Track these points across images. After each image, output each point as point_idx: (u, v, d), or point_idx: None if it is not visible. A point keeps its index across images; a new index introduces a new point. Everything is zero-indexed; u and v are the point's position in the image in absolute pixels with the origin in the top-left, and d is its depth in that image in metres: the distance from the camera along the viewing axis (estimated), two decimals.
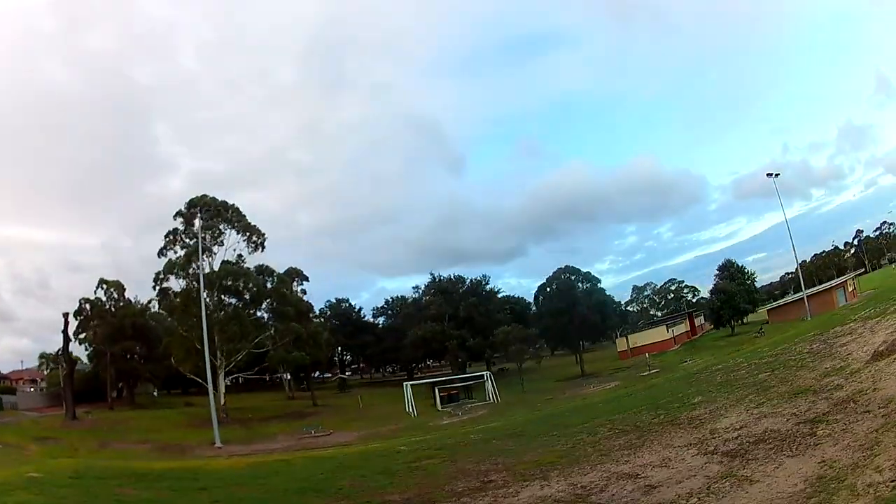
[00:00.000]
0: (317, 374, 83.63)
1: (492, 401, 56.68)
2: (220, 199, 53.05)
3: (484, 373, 62.01)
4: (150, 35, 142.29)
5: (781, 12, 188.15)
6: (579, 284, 78.63)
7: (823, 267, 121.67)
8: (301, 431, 45.19)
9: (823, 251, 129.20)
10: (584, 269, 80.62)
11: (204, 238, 49.64)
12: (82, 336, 62.75)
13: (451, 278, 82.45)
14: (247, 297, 54.34)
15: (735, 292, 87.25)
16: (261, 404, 63.99)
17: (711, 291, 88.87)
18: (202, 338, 43.51)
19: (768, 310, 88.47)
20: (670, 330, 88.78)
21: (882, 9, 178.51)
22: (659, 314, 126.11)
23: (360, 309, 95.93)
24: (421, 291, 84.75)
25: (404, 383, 57.89)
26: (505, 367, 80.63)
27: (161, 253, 51.88)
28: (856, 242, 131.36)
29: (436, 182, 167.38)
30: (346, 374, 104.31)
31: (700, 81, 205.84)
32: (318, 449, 35.09)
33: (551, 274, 79.98)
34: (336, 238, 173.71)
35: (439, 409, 54.71)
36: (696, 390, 22.21)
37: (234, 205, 54.20)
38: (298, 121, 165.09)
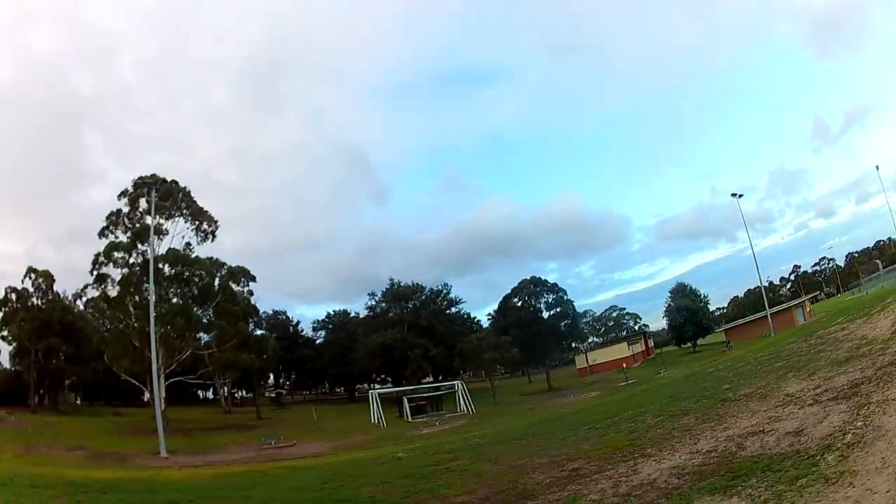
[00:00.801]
0: (263, 384, 76.48)
1: (466, 412, 52.28)
2: (170, 180, 47.18)
3: (454, 383, 57.42)
4: (92, 42, 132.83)
5: (719, 59, 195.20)
6: (545, 295, 75.22)
7: (756, 300, 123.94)
8: (259, 442, 39.60)
9: (757, 286, 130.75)
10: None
11: (155, 220, 43.60)
12: (5, 333, 55.01)
13: (409, 285, 77.51)
14: (195, 289, 48.22)
15: (697, 309, 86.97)
16: (196, 416, 57.46)
17: (669, 310, 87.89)
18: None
19: (725, 330, 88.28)
20: (631, 347, 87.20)
21: (822, 57, 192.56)
22: (599, 340, 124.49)
23: (299, 322, 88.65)
24: (377, 298, 79.38)
25: (370, 391, 52.91)
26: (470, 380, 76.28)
27: (102, 234, 45.18)
28: (792, 277, 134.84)
29: (360, 211, 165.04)
30: (284, 389, 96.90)
31: (632, 124, 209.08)
32: (288, 460, 30.63)
33: (516, 284, 76.42)
34: (258, 262, 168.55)
35: (409, 420, 49.97)
36: (718, 382, 21.00)
37: (185, 187, 48.42)
38: (230, 141, 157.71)
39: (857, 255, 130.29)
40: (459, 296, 78.13)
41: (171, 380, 43.89)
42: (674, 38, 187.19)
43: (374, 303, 79.35)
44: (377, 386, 52.71)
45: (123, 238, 44.80)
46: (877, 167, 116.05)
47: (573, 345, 79.53)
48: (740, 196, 74.63)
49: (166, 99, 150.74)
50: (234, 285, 54.60)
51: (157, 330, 39.10)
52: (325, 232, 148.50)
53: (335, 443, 39.18)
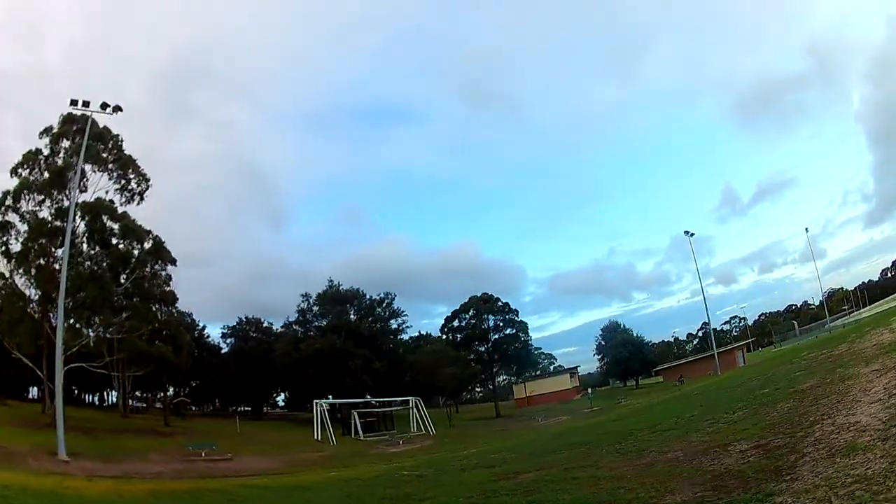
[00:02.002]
0: (167, 389, 65.04)
1: (425, 432, 45.52)
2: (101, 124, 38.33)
3: (409, 399, 50.20)
4: (19, 20, 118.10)
5: (637, 125, 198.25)
6: (495, 314, 69.94)
7: (662, 355, 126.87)
8: (184, 451, 31.25)
9: (663, 340, 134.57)
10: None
11: (81, 166, 34.47)
12: None
13: (350, 289, 69.18)
14: (114, 255, 39.12)
15: (642, 344, 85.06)
16: (91, 417, 47.38)
17: (609, 346, 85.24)
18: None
19: (664, 369, 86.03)
20: (573, 378, 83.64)
21: (742, 130, 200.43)
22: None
23: (205, 327, 76.63)
24: (311, 300, 70.18)
25: (315, 401, 44.47)
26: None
27: (14, 172, 35.47)
28: (700, 334, 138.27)
29: (256, 234, 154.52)
30: (188, 399, 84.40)
31: (538, 178, 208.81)
32: (237, 477, 23.50)
33: (466, 300, 70.77)
34: None
35: (362, 437, 42.66)
36: (742, 394, 19.43)
37: (118, 135, 39.56)
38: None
39: (766, 315, 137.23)
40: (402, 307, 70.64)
41: (71, 365, 34.31)
42: (594, 100, 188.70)
43: (305, 306, 70.59)
44: (320, 401, 44.36)
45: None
46: (806, 229, 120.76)
47: (523, 371, 73.56)
48: (692, 235, 73.41)
49: (84, 89, 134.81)
50: (160, 262, 45.48)
51: (65, 301, 30.31)
52: (217, 251, 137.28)
53: (283, 458, 31.60)
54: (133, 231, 40.10)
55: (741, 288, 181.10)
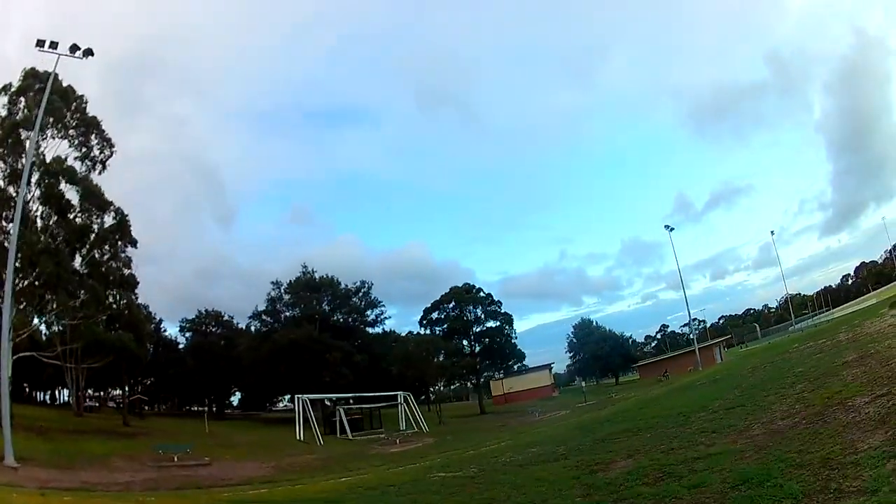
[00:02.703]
0: (127, 385, 59.34)
1: (417, 430, 41.99)
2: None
3: (398, 394, 46.36)
4: None
5: (593, 130, 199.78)
6: (478, 306, 66.62)
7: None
8: (153, 455, 26.97)
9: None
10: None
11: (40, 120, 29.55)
12: None
13: (325, 277, 63.86)
14: (77, 221, 34.34)
15: (623, 339, 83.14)
16: (43, 415, 42.24)
17: (588, 343, 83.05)
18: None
19: (641, 366, 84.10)
20: (552, 374, 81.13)
21: (697, 137, 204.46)
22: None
23: (161, 321, 69.74)
24: (283, 288, 64.39)
25: (296, 396, 40.21)
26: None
27: None
28: (658, 336, 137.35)
29: (204, 231, 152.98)
30: (145, 397, 78.02)
31: (490, 182, 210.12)
32: (226, 488, 19.52)
33: (447, 291, 67.15)
34: None
35: (350, 436, 38.83)
36: (770, 377, 18.50)
37: (83, 95, 34.73)
38: None
39: (726, 318, 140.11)
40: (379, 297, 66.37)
41: (20, 354, 29.56)
42: (549, 105, 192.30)
43: (276, 294, 64.51)
44: (303, 396, 40.13)
45: None
46: (772, 232, 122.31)
47: (508, 364, 69.96)
48: (672, 229, 71.93)
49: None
50: (121, 238, 40.72)
51: (14, 280, 25.79)
52: (164, 247, 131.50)
53: (270, 462, 27.67)
54: (94, 195, 35.32)
55: (693, 293, 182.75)
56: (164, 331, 70.83)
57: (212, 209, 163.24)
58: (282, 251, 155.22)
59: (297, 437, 36.90)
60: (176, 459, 26.59)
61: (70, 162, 35.16)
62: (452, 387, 72.02)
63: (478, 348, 64.79)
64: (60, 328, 40.63)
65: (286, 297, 63.19)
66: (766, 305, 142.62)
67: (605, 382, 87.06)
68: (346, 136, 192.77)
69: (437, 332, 64.45)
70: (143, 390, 74.73)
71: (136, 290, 45.95)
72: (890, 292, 59.66)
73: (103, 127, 35.94)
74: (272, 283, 63.72)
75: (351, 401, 44.88)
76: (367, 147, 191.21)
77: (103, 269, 40.00)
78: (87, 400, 70.02)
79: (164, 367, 67.29)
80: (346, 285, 64.07)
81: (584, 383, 71.87)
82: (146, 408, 75.30)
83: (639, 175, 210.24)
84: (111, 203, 38.60)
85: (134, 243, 45.20)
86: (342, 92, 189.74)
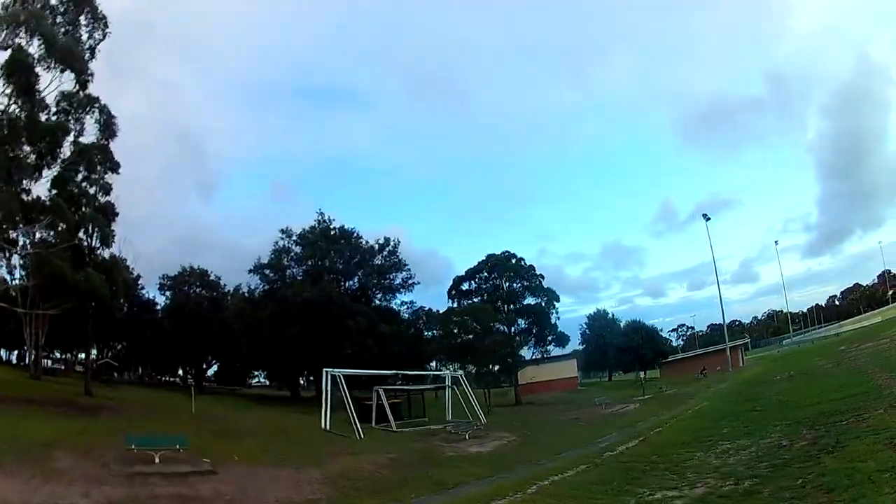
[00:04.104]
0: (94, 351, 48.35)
1: (470, 420, 32.01)
2: None
3: (443, 373, 36.29)
4: None
5: (584, 130, 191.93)
6: (518, 279, 56.69)
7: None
8: (126, 451, 16.90)
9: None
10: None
11: None
12: None
13: (342, 228, 53.10)
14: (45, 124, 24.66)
15: (654, 331, 74.07)
16: None
17: (617, 332, 73.94)
18: None
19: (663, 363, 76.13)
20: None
21: (688, 146, 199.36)
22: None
23: (139, 276, 56.20)
24: (293, 237, 52.71)
25: (325, 371, 29.45)
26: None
27: None
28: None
29: (185, 200, 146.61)
30: (115, 362, 66.80)
31: (476, 172, 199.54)
32: None
33: (483, 259, 57.06)
34: None
35: (394, 427, 28.98)
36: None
37: None
38: None
39: (713, 327, 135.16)
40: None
41: None
42: (542, 101, 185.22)
43: (284, 243, 52.74)
44: (333, 370, 29.62)
45: None
46: (776, 242, 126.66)
47: (548, 349, 59.52)
48: (708, 219, 68.72)
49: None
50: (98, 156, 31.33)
51: None
52: (145, 214, 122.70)
53: (314, 471, 17.67)
54: (72, 55, 25.51)
55: (669, 302, 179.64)
56: (142, 287, 60.02)
57: (195, 178, 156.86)
58: (263, 226, 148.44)
59: (323, 427, 26.87)
60: (157, 460, 16.68)
61: None
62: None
63: (514, 328, 54.59)
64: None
65: (296, 249, 52.49)
66: (754, 317, 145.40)
67: (619, 379, 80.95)
68: (336, 117, 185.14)
69: (464, 306, 54.75)
70: (115, 356, 64.58)
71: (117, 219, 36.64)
72: (890, 312, 64.13)
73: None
74: (281, 230, 52.61)
75: (399, 379, 34.78)
76: (355, 129, 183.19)
77: (77, 187, 31.05)
78: (53, 363, 60.16)
79: (139, 329, 57.33)
80: (367, 241, 53.84)
81: (644, 375, 62.15)
82: (115, 374, 65.05)
83: (626, 179, 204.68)
84: (97, 99, 29.25)
85: (115, 168, 35.91)
86: (335, 71, 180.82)
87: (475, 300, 54.17)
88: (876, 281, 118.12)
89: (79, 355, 60.38)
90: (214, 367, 71.91)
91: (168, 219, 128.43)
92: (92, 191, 34.40)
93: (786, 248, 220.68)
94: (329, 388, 28.19)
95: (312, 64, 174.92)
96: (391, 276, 52.71)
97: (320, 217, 53.36)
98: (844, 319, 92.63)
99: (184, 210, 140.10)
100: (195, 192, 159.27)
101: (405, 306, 54.44)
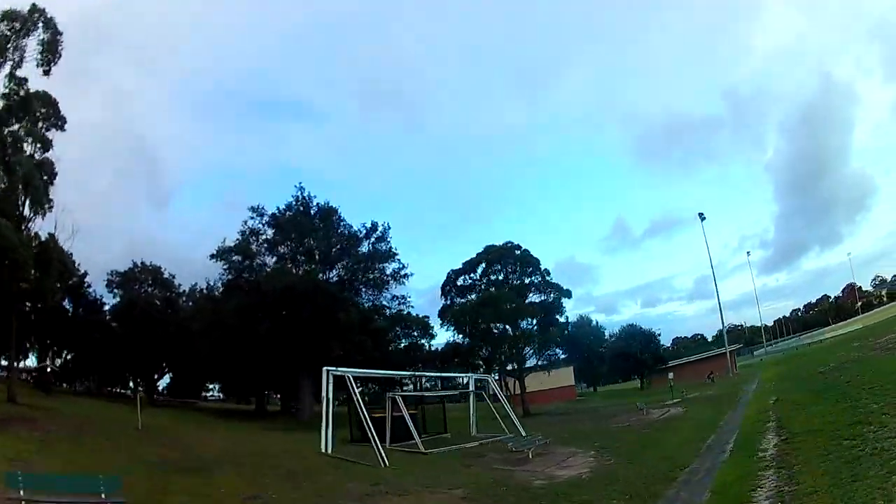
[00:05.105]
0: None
1: (508, 433, 25.14)
2: None
3: (469, 375, 29.06)
4: None
5: (538, 146, 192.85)
6: (526, 275, 49.97)
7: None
8: (16, 495, 9.62)
9: None
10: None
11: None
12: None
13: (324, 205, 45.17)
14: None
15: (651, 335, 68.97)
16: None
17: (585, 342, 68.53)
18: None
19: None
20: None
21: (642, 165, 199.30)
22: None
23: (86, 273, 51.34)
24: (265, 217, 44.45)
25: (327, 370, 21.61)
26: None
27: None
28: None
29: (137, 210, 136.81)
30: (54, 368, 57.42)
31: (426, 189, 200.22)
32: None
33: (481, 250, 50.19)
34: None
35: (421, 448, 21.74)
36: None
37: None
38: None
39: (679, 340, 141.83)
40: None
41: None
42: (495, 118, 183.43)
43: (254, 224, 44.59)
44: (336, 370, 21.81)
45: None
46: (748, 252, 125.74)
47: (555, 353, 52.54)
48: (704, 218, 69.63)
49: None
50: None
51: None
52: (94, 225, 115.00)
53: None
54: None
55: (623, 318, 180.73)
56: (89, 286, 53.25)
57: (148, 187, 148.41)
58: (215, 238, 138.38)
59: (322, 449, 19.56)
60: None
61: None
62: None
63: (517, 331, 47.84)
64: None
65: (269, 231, 44.60)
66: (697, 334, 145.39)
67: (612, 387, 78.92)
68: (289, 130, 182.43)
69: (458, 303, 48.10)
70: (63, 364, 56.97)
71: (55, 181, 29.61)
72: (870, 320, 66.46)
73: None
74: (251, 208, 44.44)
75: (423, 384, 27.68)
76: (308, 143, 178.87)
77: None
78: None
79: (86, 332, 50.25)
80: (352, 226, 45.90)
81: (672, 382, 55.78)
82: (62, 384, 55.97)
83: (580, 196, 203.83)
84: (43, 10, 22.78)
85: (61, 124, 29.00)
86: (288, 83, 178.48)
87: (472, 297, 47.64)
88: (841, 294, 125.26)
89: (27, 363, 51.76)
90: (167, 378, 64.37)
91: (118, 231, 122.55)
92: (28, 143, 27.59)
93: (740, 265, 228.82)
94: (331, 395, 20.78)
95: (267, 76, 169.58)
96: (380, 267, 44.83)
97: (299, 193, 45.30)
98: (812, 330, 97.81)
99: (136, 222, 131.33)
100: (147, 203, 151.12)
101: (395, 301, 46.40)
